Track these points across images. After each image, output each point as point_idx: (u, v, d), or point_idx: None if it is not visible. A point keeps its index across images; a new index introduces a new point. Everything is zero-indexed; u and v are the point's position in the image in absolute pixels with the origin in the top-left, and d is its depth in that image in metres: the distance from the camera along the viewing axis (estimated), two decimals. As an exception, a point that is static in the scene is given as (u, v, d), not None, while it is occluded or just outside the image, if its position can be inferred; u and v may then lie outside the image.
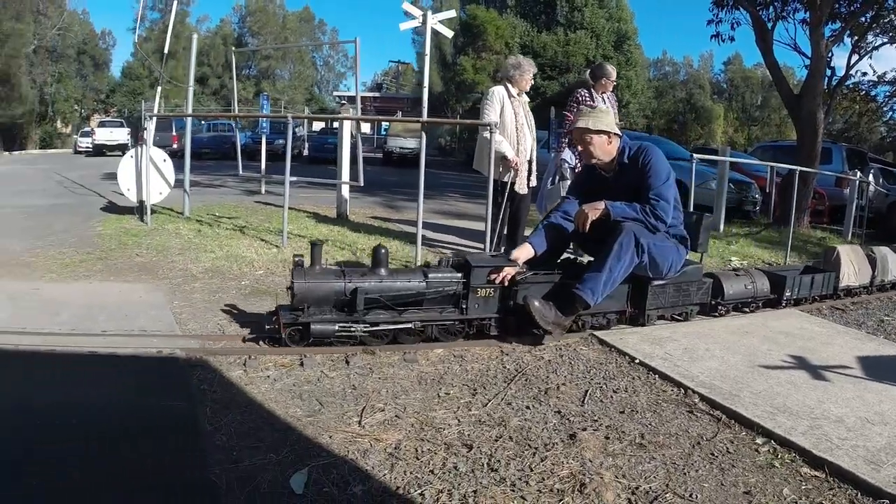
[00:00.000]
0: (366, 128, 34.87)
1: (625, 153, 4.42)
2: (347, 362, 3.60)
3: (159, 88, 10.10)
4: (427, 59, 8.10)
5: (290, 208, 7.23)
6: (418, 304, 4.07)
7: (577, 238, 4.68)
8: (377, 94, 53.14)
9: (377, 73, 72.53)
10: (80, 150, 34.33)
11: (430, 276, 4.06)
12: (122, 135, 32.26)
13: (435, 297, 4.07)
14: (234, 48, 19.29)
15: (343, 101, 50.59)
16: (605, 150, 4.40)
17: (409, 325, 3.94)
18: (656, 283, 4.51)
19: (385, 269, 4.08)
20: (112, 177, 15.70)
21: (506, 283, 4.10)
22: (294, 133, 28.49)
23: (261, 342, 3.87)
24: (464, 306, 4.10)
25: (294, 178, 7.64)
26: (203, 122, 28.94)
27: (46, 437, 2.64)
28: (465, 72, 33.87)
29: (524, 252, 4.27)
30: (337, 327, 3.77)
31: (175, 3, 10.02)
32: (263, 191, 12.21)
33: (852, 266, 6.04)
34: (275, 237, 7.05)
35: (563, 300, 4.15)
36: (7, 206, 10.19)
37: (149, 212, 8.07)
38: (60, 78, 49.68)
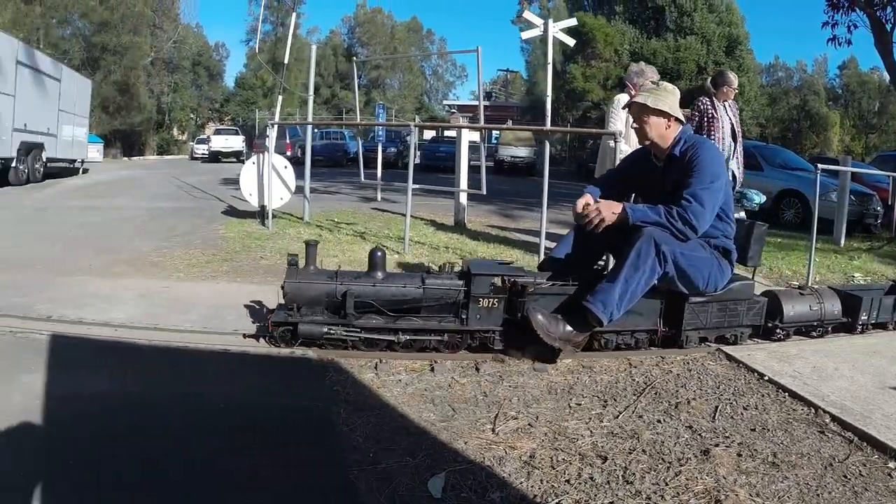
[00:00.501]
0: (475, 136, 35.62)
1: (679, 144, 4.24)
2: (477, 369, 3.85)
3: (280, 97, 10.97)
4: (549, 67, 8.35)
5: (405, 215, 7.74)
6: (416, 311, 4.15)
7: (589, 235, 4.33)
8: (487, 103, 54.32)
9: (485, 82, 74.61)
10: (196, 156, 37.42)
11: (427, 282, 4.15)
12: (236, 142, 35.05)
13: (433, 305, 4.16)
14: (353, 59, 20.60)
15: (453, 111, 51.67)
16: (661, 133, 4.25)
17: (404, 336, 4.06)
18: (694, 300, 4.26)
19: (381, 273, 4.22)
20: (229, 182, 17.12)
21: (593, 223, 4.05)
22: (406, 141, 29.67)
23: (260, 339, 4.23)
24: (464, 316, 4.12)
25: (416, 186, 8.07)
26: (316, 130, 30.62)
27: (189, 432, 3.03)
28: (574, 80, 35.05)
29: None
30: (325, 329, 3.98)
31: (293, 16, 10.91)
32: (380, 198, 12.87)
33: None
34: (395, 243, 7.54)
35: (575, 314, 4.01)
36: (133, 208, 11.32)
37: (270, 216, 8.83)
38: (176, 88, 54.51)
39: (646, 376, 3.93)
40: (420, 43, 72.08)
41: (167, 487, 2.57)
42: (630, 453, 2.88)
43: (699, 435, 3.10)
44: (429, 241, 7.81)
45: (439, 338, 4.11)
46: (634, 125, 4.41)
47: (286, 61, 11.41)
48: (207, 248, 7.34)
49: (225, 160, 33.56)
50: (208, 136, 38.23)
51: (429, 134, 35.42)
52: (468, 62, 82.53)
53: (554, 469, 2.72)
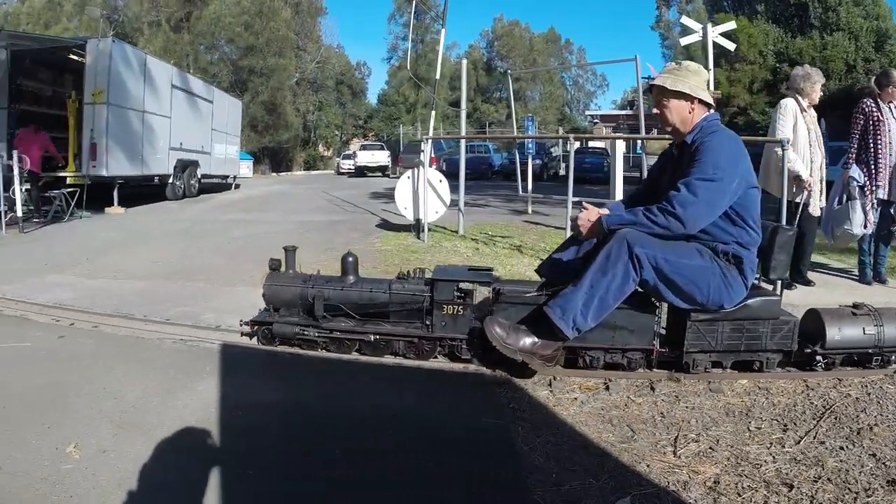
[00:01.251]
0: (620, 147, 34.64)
1: (695, 131, 3.84)
2: (652, 388, 3.72)
3: (433, 112, 11.25)
4: (711, 73, 7.90)
5: (557, 228, 7.90)
6: (384, 315, 4.23)
7: None
8: (629, 112, 53.26)
9: (627, 91, 73.33)
10: (343, 171, 39.16)
11: (393, 287, 4.22)
12: (382, 157, 36.24)
13: (400, 311, 4.21)
14: (509, 73, 20.57)
15: (596, 121, 50.64)
16: (683, 118, 3.89)
17: (365, 336, 4.19)
18: (698, 317, 3.81)
19: (353, 277, 4.39)
20: (378, 196, 17.63)
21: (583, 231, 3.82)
22: (550, 153, 29.30)
23: (254, 339, 4.54)
24: (428, 323, 4.10)
25: (576, 199, 7.91)
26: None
27: (364, 445, 3.10)
28: (719, 85, 33.20)
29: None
30: (297, 330, 4.28)
31: (442, 32, 10.99)
32: (530, 210, 12.74)
33: None
34: None
35: (542, 325, 3.71)
36: (287, 221, 11.83)
37: (426, 230, 8.96)
38: (321, 106, 57.41)
39: (824, 399, 3.70)
40: (559, 53, 71.97)
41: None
42: (816, 482, 2.74)
43: (883, 464, 2.91)
44: None
45: (409, 341, 4.21)
46: (655, 111, 4.01)
47: (437, 76, 11.49)
48: (366, 260, 7.41)
49: (371, 175, 34.82)
50: (354, 152, 39.73)
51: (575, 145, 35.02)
52: (609, 71, 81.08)
53: (740, 496, 2.62)
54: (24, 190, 11.21)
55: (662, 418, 3.32)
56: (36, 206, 12.31)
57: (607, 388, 3.67)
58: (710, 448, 2.99)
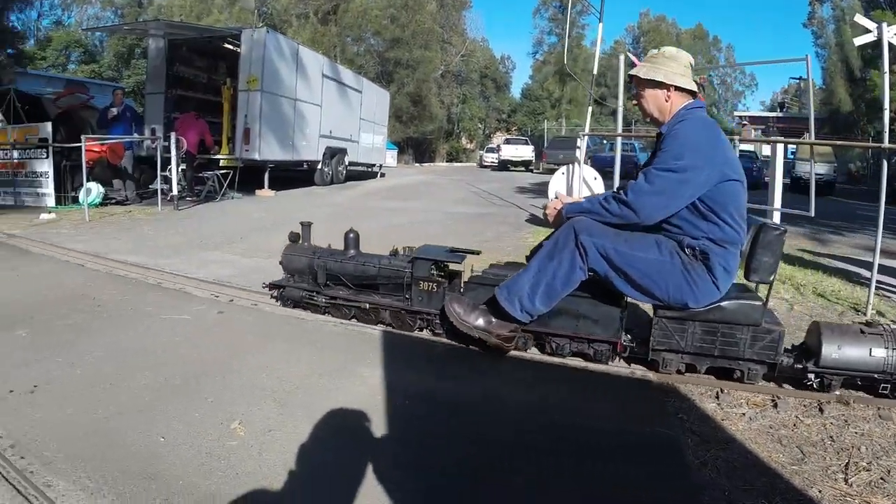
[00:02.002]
0: (767, 150, 32.87)
1: (672, 120, 3.71)
2: (821, 410, 3.50)
3: (589, 108, 10.97)
4: (886, 77, 7.10)
5: None
6: (375, 287, 4.80)
7: None
8: (780, 115, 51.62)
9: (776, 92, 70.06)
10: (486, 164, 39.32)
11: (382, 262, 4.74)
12: (526, 152, 36.09)
13: (387, 284, 4.72)
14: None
15: (744, 122, 48.21)
16: (660, 107, 3.79)
17: (359, 304, 4.74)
18: (665, 314, 3.73)
19: (353, 251, 4.96)
20: (524, 191, 17.51)
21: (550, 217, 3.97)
22: None
23: (272, 298, 5.26)
24: (408, 297, 4.53)
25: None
26: (604, 142, 30.33)
27: (530, 445, 3.03)
28: (875, 88, 31.48)
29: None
30: (303, 294, 4.98)
31: (600, 26, 10.67)
32: None
33: None
34: None
35: (499, 306, 3.88)
36: (435, 211, 11.89)
37: None
38: (465, 99, 58.02)
39: None
40: (706, 50, 69.25)
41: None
42: None
43: None
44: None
45: (393, 312, 4.64)
46: (634, 103, 4.00)
47: (594, 72, 11.25)
48: (519, 256, 7.30)
49: (514, 169, 34.77)
50: (498, 146, 39.80)
51: None
52: (758, 71, 77.42)
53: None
54: (179, 170, 11.80)
55: (832, 442, 3.16)
56: (189, 185, 12.98)
57: (775, 406, 3.51)
58: (882, 479, 2.83)
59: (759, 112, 58.75)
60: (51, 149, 11.75)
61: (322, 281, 4.89)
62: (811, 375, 3.64)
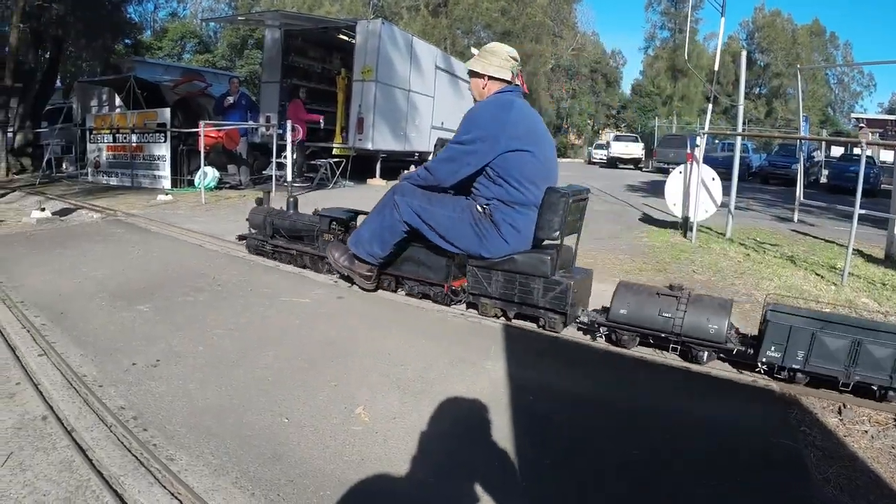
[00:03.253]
0: (888, 156, 30.78)
1: (478, 103, 4.57)
2: None
3: (710, 106, 10.57)
4: None
5: (827, 241, 7.80)
6: (302, 238, 6.07)
7: None
8: None
9: (894, 92, 65.21)
10: (594, 161, 38.81)
11: (302, 219, 6.11)
12: (636, 149, 35.39)
13: (308, 235, 5.97)
14: (798, 66, 19.12)
15: (861, 125, 45.58)
16: (480, 93, 4.58)
17: (290, 251, 6.15)
18: (474, 263, 4.56)
19: (291, 211, 6.44)
20: (635, 189, 17.17)
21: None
22: (812, 157, 26.79)
23: (244, 248, 6.77)
24: (317, 245, 5.84)
25: (863, 211, 7.17)
26: (717, 142, 29.45)
27: (653, 446, 2.97)
28: None
29: None
30: (258, 243, 6.51)
31: (722, 21, 10.17)
32: (796, 219, 11.69)
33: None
34: (827, 272, 6.84)
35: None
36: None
37: (695, 229, 8.48)
38: (575, 94, 57.54)
39: None
40: (823, 48, 65.95)
41: None
42: None
43: None
44: (862, 273, 6.95)
45: (311, 257, 5.95)
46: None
47: (716, 68, 10.83)
48: (636, 255, 7.39)
49: (623, 166, 34.26)
50: (608, 142, 39.09)
51: (835, 151, 31.95)
52: (876, 71, 73.08)
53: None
54: (294, 157, 12.04)
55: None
56: (299, 171, 13.18)
57: (896, 426, 3.36)
58: None
59: (877, 114, 55.88)
60: (169, 133, 12.18)
61: (269, 233, 6.32)
62: (602, 329, 4.23)
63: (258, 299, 4.94)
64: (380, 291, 5.27)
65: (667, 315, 3.89)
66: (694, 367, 3.93)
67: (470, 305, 4.82)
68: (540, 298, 4.31)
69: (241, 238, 6.85)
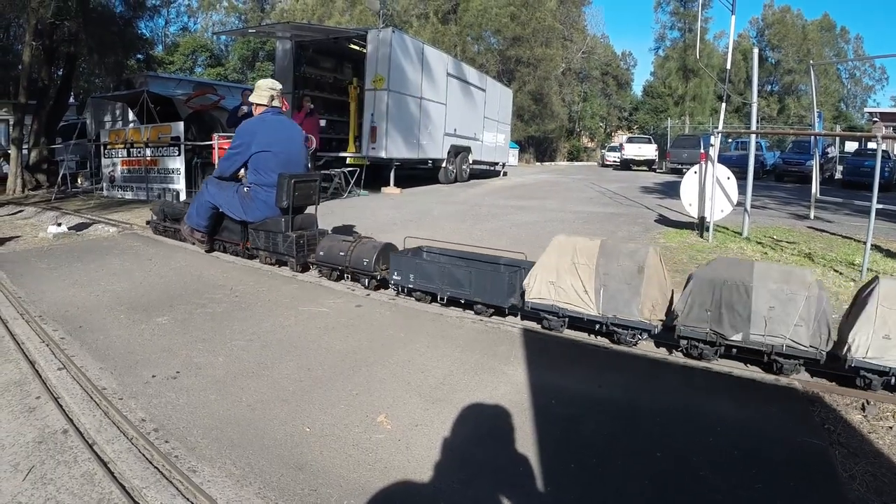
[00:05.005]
0: None
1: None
2: None
3: (723, 105, 10.52)
4: None
5: (844, 237, 7.79)
6: (179, 219, 7.84)
7: None
8: None
9: None
10: (608, 163, 38.65)
11: (177, 206, 8.58)
12: (649, 151, 35.11)
13: (181, 216, 7.76)
14: (811, 62, 18.95)
15: (875, 118, 45.23)
16: (256, 114, 6.86)
17: (171, 229, 8.20)
18: (251, 226, 6.80)
19: (176, 202, 8.81)
20: (649, 190, 17.03)
21: None
22: (826, 153, 26.60)
23: (148, 228, 8.85)
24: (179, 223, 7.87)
25: (880, 206, 7.11)
26: (730, 141, 29.25)
27: (679, 447, 2.95)
28: None
29: None
30: (157, 225, 8.57)
31: (732, 19, 10.09)
32: (812, 216, 11.58)
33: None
34: (846, 269, 6.81)
35: None
36: (563, 210, 11.68)
37: (711, 229, 8.42)
38: (586, 97, 57.21)
39: None
40: (833, 42, 65.36)
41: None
42: None
43: None
44: (881, 268, 6.91)
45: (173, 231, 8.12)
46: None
47: (728, 66, 10.78)
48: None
49: (636, 168, 34.08)
50: (621, 144, 38.93)
51: (850, 146, 31.65)
52: (888, 64, 72.28)
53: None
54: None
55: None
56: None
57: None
58: None
59: (891, 108, 55.24)
60: (183, 147, 12.23)
61: (162, 218, 8.49)
62: (312, 266, 6.40)
63: (276, 309, 4.93)
64: (396, 300, 5.27)
65: (343, 254, 5.85)
66: (712, 366, 3.89)
67: (252, 257, 6.96)
68: (281, 247, 6.48)
69: (147, 223, 8.98)
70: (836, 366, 3.71)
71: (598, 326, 4.24)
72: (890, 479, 2.76)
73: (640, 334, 4.14)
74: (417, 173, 17.05)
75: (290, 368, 3.68)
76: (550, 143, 50.27)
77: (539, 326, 4.56)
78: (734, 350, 3.90)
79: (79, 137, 15.82)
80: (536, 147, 48.10)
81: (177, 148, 12.28)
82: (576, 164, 47.48)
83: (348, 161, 14.20)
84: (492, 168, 22.11)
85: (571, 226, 9.50)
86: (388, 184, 14.73)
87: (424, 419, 3.06)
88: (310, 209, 6.93)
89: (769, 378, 3.80)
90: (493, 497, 2.48)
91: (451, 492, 2.51)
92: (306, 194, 6.66)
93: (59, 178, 14.88)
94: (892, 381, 3.54)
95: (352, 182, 13.45)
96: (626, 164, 35.31)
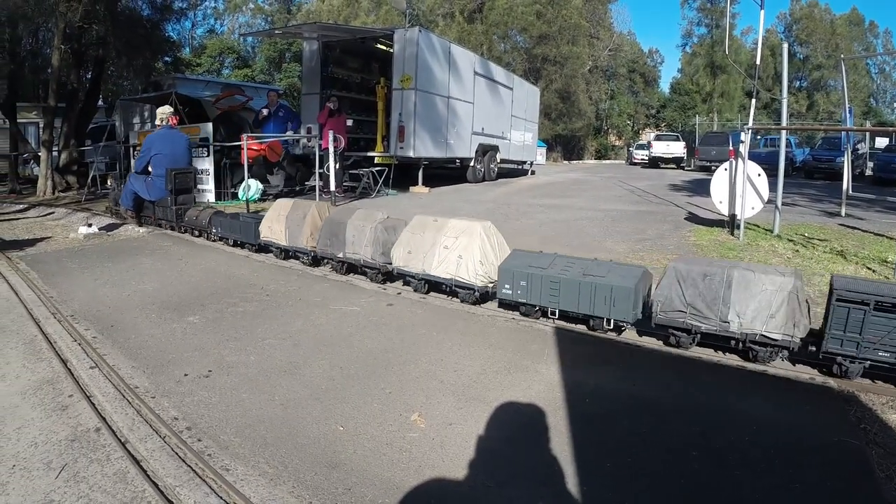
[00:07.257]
0: None
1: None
2: None
3: (753, 101, 10.35)
4: None
5: (876, 234, 7.90)
6: (150, 204, 10.09)
7: None
8: None
9: None
10: (636, 161, 38.31)
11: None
12: (677, 148, 34.87)
13: (152, 203, 10.01)
14: (841, 56, 18.66)
15: None
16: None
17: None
18: (160, 203, 9.75)
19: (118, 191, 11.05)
20: (678, 188, 16.86)
21: None
22: (856, 150, 26.17)
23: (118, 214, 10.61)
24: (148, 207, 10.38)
25: None
26: (759, 138, 28.93)
27: (715, 446, 2.93)
28: None
29: None
30: (111, 209, 11.45)
31: (762, 14, 9.93)
32: (844, 213, 11.40)
33: None
34: (879, 266, 6.72)
35: None
36: (591, 209, 11.58)
37: (742, 226, 8.32)
38: (613, 95, 56.95)
39: None
40: (862, 37, 64.35)
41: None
42: None
43: None
44: None
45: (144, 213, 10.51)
46: None
47: (758, 62, 10.64)
48: (684, 254, 7.20)
49: (664, 166, 33.84)
50: (649, 142, 38.65)
51: (880, 142, 31.15)
52: None
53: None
54: (336, 167, 12.06)
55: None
56: (338, 181, 13.14)
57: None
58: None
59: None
60: (211, 147, 12.30)
61: (114, 204, 10.91)
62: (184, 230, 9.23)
63: (308, 308, 4.92)
64: (428, 298, 5.24)
65: (202, 220, 8.78)
66: (747, 365, 3.86)
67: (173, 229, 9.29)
68: (168, 216, 9.42)
69: (106, 209, 11.51)
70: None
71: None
72: (925, 478, 2.71)
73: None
74: (445, 172, 17.01)
75: (322, 367, 3.67)
76: (578, 142, 50.03)
77: (579, 327, 4.50)
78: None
79: (108, 139, 16.02)
80: (564, 145, 47.89)
81: (206, 149, 12.36)
82: (604, 162, 47.24)
83: (376, 160, 14.18)
84: (519, 167, 22.02)
85: (600, 225, 9.42)
86: (416, 183, 14.71)
87: (458, 418, 3.03)
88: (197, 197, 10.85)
89: (804, 376, 3.76)
90: (528, 497, 2.44)
91: (486, 490, 2.48)
92: (184, 181, 9.64)
93: (89, 180, 15.02)
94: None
95: (380, 181, 13.44)
96: (654, 162, 35.06)
